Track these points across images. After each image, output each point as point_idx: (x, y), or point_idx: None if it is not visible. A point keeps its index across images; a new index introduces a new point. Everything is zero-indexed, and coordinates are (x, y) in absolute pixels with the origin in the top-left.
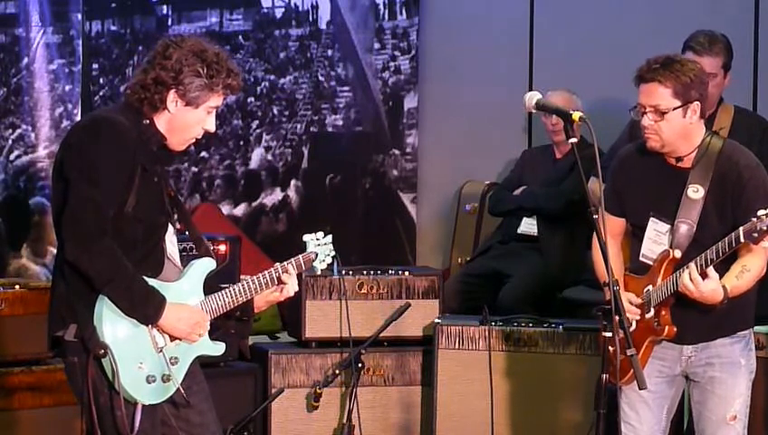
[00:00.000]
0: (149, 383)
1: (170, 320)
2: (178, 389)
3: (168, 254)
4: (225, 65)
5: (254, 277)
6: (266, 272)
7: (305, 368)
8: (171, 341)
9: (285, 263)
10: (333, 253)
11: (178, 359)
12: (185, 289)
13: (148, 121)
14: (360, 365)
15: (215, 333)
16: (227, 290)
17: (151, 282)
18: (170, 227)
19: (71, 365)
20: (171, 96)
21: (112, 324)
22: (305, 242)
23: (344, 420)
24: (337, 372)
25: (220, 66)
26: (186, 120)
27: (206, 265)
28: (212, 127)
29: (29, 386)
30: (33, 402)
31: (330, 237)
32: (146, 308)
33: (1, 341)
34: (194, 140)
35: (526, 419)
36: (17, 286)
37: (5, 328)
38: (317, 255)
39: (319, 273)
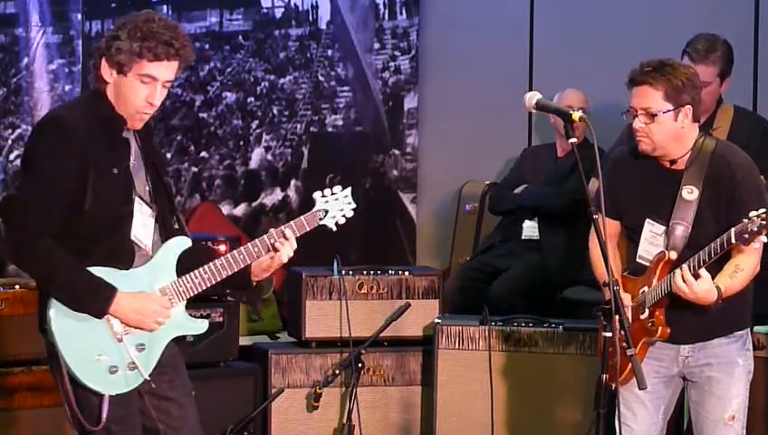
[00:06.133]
0: (112, 374)
1: (123, 309)
2: (145, 376)
3: (138, 240)
4: (156, 31)
5: (240, 248)
6: (257, 240)
7: (305, 368)
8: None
9: (283, 227)
10: (353, 205)
11: (145, 345)
12: (145, 275)
13: (107, 103)
14: (360, 365)
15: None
16: (200, 269)
17: (102, 271)
18: (147, 210)
19: (50, 361)
20: (103, 64)
21: (65, 318)
22: (314, 199)
23: (344, 420)
24: (337, 372)
25: (149, 31)
26: (122, 91)
27: (178, 245)
28: (154, 99)
29: (29, 386)
30: (33, 402)
31: (348, 190)
32: (92, 303)
33: (1, 341)
34: (146, 116)
35: (526, 419)
36: (17, 286)
37: (5, 328)
38: (327, 212)
39: (334, 229)
